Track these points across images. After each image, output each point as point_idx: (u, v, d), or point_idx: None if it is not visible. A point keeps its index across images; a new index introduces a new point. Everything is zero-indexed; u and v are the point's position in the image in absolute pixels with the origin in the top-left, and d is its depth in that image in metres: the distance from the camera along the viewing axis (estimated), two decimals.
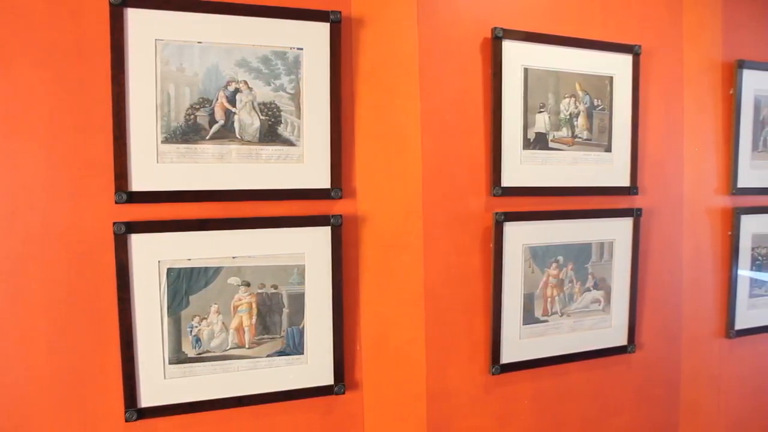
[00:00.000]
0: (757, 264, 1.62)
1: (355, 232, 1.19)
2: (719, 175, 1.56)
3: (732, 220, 1.57)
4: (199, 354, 1.08)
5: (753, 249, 1.61)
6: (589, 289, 1.41)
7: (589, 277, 1.41)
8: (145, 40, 1.02)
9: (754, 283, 1.63)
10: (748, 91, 1.55)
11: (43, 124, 0.98)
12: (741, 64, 1.53)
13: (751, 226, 1.59)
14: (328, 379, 1.17)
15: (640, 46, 1.41)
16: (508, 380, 1.35)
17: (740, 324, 1.61)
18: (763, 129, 1.59)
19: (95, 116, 1.00)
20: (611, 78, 1.39)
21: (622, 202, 1.44)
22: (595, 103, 1.38)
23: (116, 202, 1.00)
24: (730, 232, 1.58)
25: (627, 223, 1.44)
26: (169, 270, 1.05)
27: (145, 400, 1.05)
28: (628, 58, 1.41)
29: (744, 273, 1.60)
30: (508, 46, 1.27)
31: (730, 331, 1.60)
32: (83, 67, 0.99)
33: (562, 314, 1.38)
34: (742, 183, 1.56)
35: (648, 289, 1.50)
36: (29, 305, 0.98)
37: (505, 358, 1.32)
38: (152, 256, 1.03)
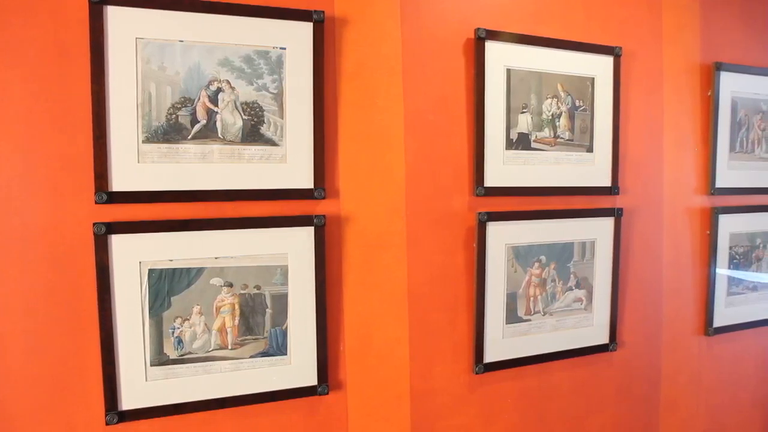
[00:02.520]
0: (734, 263, 1.70)
1: (339, 233, 1.22)
2: (698, 175, 1.64)
3: (710, 219, 1.65)
4: (181, 355, 1.10)
5: (731, 248, 1.69)
6: (571, 288, 1.47)
7: (572, 276, 1.47)
8: (125, 39, 1.04)
9: (731, 281, 1.71)
10: (726, 92, 1.63)
11: (20, 124, 0.99)
12: (719, 66, 1.61)
13: (728, 225, 1.67)
14: (311, 379, 1.20)
15: (621, 48, 1.47)
16: (491, 379, 1.40)
17: (718, 322, 1.69)
18: (740, 130, 1.67)
19: (74, 115, 1.02)
20: (593, 79, 1.45)
21: (604, 202, 1.50)
22: (577, 104, 1.44)
23: (96, 203, 1.02)
24: (708, 232, 1.66)
25: (608, 222, 1.50)
26: (151, 271, 1.07)
27: (126, 402, 1.07)
28: (609, 60, 1.47)
29: (722, 271, 1.68)
30: (491, 47, 1.32)
31: (708, 328, 1.67)
32: (62, 66, 1.01)
33: (544, 313, 1.44)
34: (720, 183, 1.64)
35: (629, 288, 1.56)
36: (7, 307, 1.00)
37: (489, 357, 1.37)
38: (133, 256, 1.06)
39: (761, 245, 1.75)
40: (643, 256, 1.58)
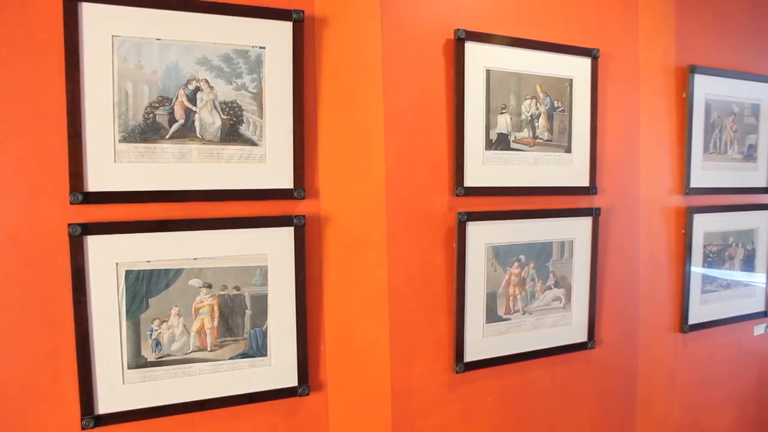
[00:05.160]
0: (708, 261, 1.79)
1: (319, 233, 1.25)
2: (673, 175, 1.72)
3: (685, 219, 1.73)
4: (160, 358, 1.12)
5: (705, 247, 1.78)
6: (550, 287, 1.53)
7: (551, 275, 1.52)
8: (101, 36, 1.05)
9: (705, 279, 1.79)
10: (700, 95, 1.71)
11: None
12: (693, 69, 1.69)
13: (703, 224, 1.76)
14: (291, 380, 1.23)
15: (598, 50, 1.53)
16: (471, 378, 1.44)
17: (693, 319, 1.77)
18: (713, 131, 1.76)
19: (48, 114, 1.03)
20: (571, 80, 1.51)
21: (582, 202, 1.56)
22: (556, 105, 1.49)
23: (71, 203, 1.03)
24: (683, 231, 1.73)
25: (586, 222, 1.56)
26: (128, 272, 1.08)
27: (103, 406, 1.08)
28: (586, 61, 1.53)
29: (697, 270, 1.77)
30: (471, 48, 1.37)
31: (684, 326, 1.75)
32: (35, 63, 1.02)
33: (524, 312, 1.49)
34: (694, 183, 1.73)
35: (606, 287, 1.63)
36: None
37: (469, 356, 1.42)
38: (110, 258, 1.07)
39: (734, 244, 1.84)
40: (621, 255, 1.65)
